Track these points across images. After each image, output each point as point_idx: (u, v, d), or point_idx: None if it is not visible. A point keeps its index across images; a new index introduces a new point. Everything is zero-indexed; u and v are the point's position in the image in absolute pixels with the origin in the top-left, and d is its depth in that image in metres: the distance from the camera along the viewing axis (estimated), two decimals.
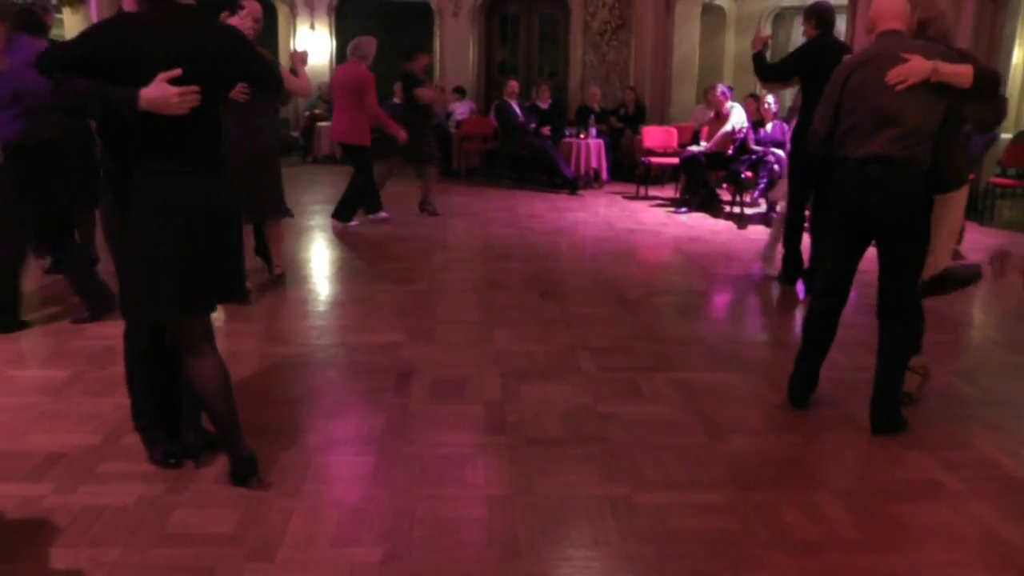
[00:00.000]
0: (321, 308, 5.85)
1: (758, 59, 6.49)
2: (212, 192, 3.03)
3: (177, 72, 2.81)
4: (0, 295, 4.88)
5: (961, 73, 3.54)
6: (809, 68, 5.95)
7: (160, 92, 2.80)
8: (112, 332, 5.15)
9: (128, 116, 2.86)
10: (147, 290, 3.03)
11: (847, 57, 3.97)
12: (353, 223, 8.57)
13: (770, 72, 6.48)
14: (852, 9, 10.43)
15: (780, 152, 9.32)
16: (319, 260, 7.47)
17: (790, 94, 9.72)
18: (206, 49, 2.97)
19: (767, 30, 6.68)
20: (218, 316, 5.63)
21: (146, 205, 2.96)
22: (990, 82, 3.60)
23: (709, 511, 3.13)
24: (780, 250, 6.64)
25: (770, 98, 10.04)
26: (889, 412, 3.84)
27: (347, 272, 6.99)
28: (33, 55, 3.03)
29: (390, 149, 9.01)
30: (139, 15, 3.00)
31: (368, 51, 8.37)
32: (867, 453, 3.68)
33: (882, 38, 3.79)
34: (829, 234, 4.06)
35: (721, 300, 6.41)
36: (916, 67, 3.55)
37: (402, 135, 8.55)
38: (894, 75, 3.59)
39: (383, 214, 8.95)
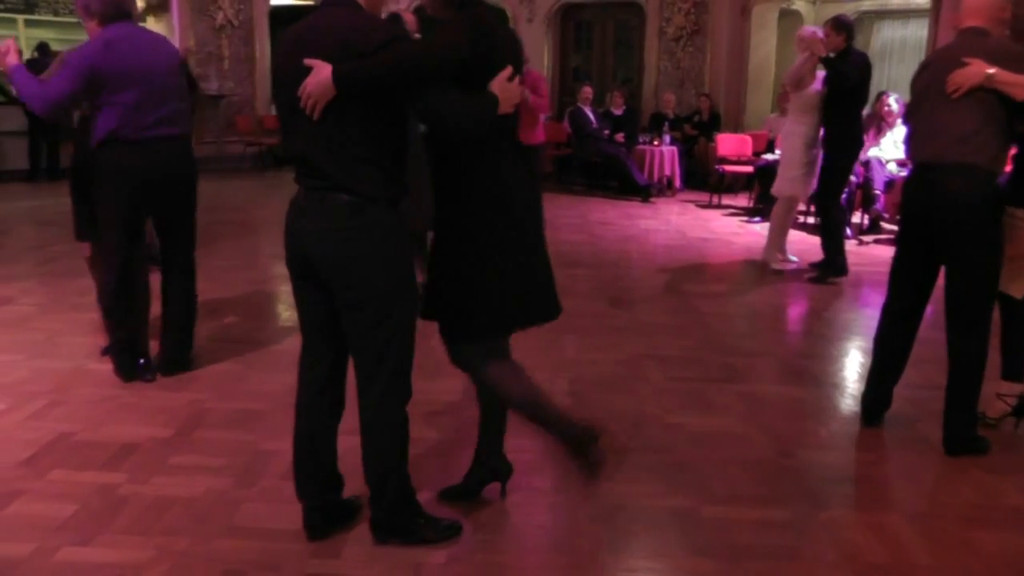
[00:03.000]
0: None
1: (833, 62, 6.50)
2: None
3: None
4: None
5: (1018, 83, 3.39)
6: (863, 78, 6.27)
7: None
8: None
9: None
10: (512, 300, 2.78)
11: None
12: None
13: (848, 76, 6.47)
14: (936, 12, 10.21)
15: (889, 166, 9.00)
16: None
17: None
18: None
19: (818, 32, 6.81)
20: (290, 316, 5.76)
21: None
22: None
23: (775, 528, 3.07)
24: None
25: (892, 99, 9.18)
26: (962, 433, 3.69)
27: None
28: None
29: None
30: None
31: None
32: (941, 475, 3.56)
33: (958, 37, 3.68)
34: (896, 245, 3.96)
35: (792, 312, 6.30)
36: (971, 73, 3.45)
37: None
38: (951, 83, 3.50)
39: None
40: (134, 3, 4.16)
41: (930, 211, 3.63)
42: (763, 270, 7.27)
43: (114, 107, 3.94)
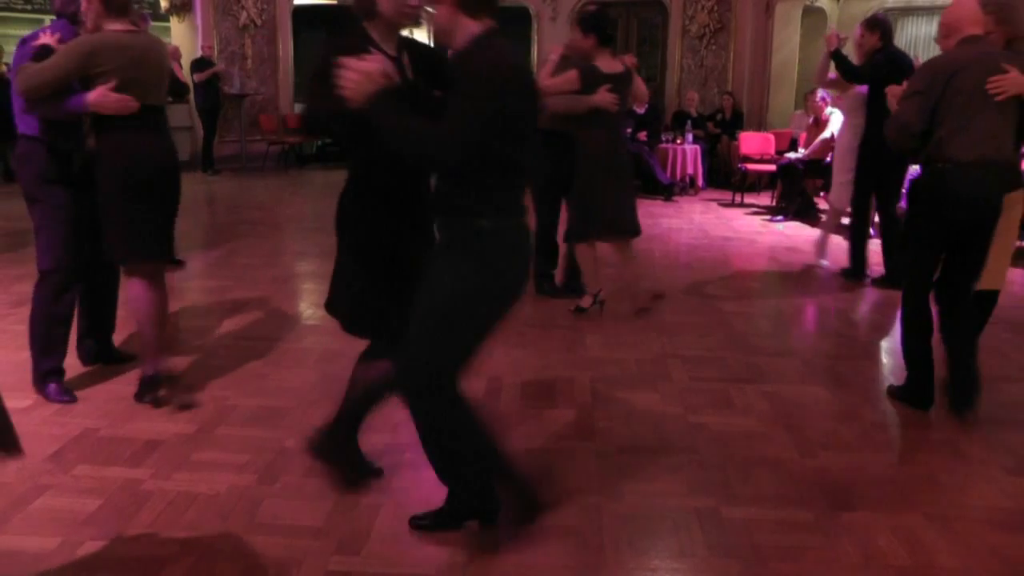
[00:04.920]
0: None
1: (841, 58, 6.52)
2: None
3: None
4: None
5: None
6: (884, 77, 5.97)
7: None
8: (207, 325, 5.32)
9: None
10: None
11: (938, 59, 3.93)
12: None
13: (855, 72, 6.50)
14: None
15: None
16: None
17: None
18: None
19: (836, 29, 6.83)
20: (314, 315, 5.79)
21: None
22: None
23: (798, 529, 3.04)
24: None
25: None
26: (973, 393, 3.97)
27: None
28: None
29: None
30: None
31: None
32: (966, 478, 3.51)
33: (970, 44, 3.83)
34: (924, 239, 4.01)
35: (816, 312, 6.25)
36: (1019, 81, 3.71)
37: None
38: (995, 85, 3.72)
39: None
40: (66, 4, 4.05)
41: (978, 208, 3.84)
42: (791, 271, 7.24)
43: None
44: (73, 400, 4.05)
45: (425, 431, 2.77)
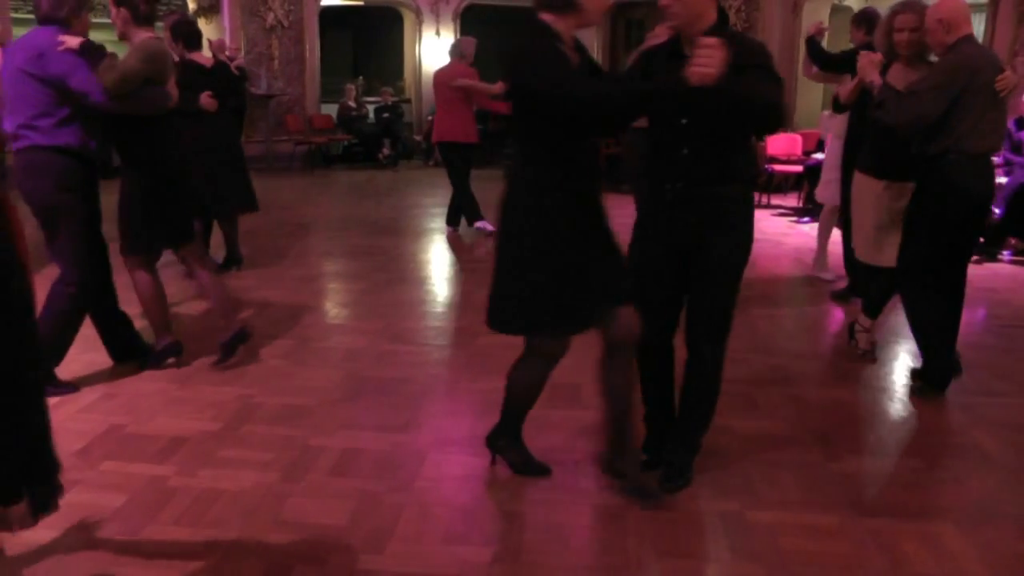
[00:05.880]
0: (439, 309, 5.93)
1: (813, 43, 6.49)
2: None
3: None
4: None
5: None
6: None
7: None
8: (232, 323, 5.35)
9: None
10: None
11: (959, 58, 4.05)
12: (490, 227, 8.50)
13: (823, 58, 6.46)
14: (994, 5, 10.01)
15: None
16: (438, 262, 7.57)
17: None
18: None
19: (825, 23, 6.76)
20: (339, 314, 5.81)
21: None
22: None
23: (822, 534, 3.01)
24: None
25: None
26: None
27: (465, 275, 7.06)
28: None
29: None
30: None
31: (466, 50, 8.49)
32: (995, 484, 3.46)
33: (973, 44, 4.15)
34: (936, 226, 4.17)
35: (841, 314, 6.19)
36: (1013, 79, 4.07)
37: (503, 108, 8.51)
38: (1001, 84, 4.04)
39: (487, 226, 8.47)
40: (57, 8, 3.97)
41: (987, 193, 4.22)
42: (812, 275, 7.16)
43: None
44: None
45: (711, 381, 3.28)
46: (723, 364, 3.28)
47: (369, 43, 18.55)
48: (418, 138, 15.16)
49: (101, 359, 4.46)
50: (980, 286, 6.73)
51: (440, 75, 8.55)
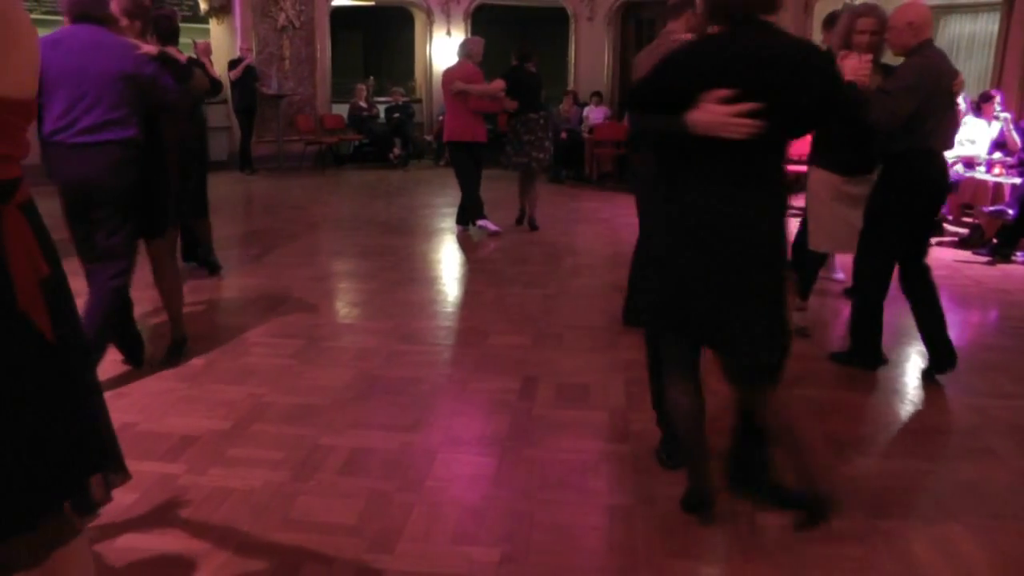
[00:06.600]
0: (449, 309, 5.92)
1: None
2: None
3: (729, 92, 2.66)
4: None
5: None
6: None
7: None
8: (243, 322, 5.36)
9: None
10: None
11: (928, 62, 4.30)
12: (492, 227, 8.51)
13: None
14: (1008, 5, 9.95)
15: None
16: (449, 262, 7.57)
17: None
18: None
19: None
20: (349, 314, 5.81)
21: None
22: None
23: (834, 536, 2.99)
24: None
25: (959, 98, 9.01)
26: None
27: (476, 275, 7.05)
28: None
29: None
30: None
31: (473, 50, 8.50)
32: (1007, 487, 3.43)
33: (933, 48, 4.36)
34: (902, 218, 4.42)
35: None
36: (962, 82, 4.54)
37: (511, 104, 8.49)
38: (957, 88, 4.44)
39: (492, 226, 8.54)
40: (98, 7, 3.98)
41: (945, 185, 4.54)
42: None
43: (48, 109, 3.91)
44: None
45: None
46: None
47: (380, 43, 18.58)
48: (429, 138, 15.17)
49: (112, 356, 4.47)
50: (993, 287, 6.70)
51: (448, 75, 8.56)
